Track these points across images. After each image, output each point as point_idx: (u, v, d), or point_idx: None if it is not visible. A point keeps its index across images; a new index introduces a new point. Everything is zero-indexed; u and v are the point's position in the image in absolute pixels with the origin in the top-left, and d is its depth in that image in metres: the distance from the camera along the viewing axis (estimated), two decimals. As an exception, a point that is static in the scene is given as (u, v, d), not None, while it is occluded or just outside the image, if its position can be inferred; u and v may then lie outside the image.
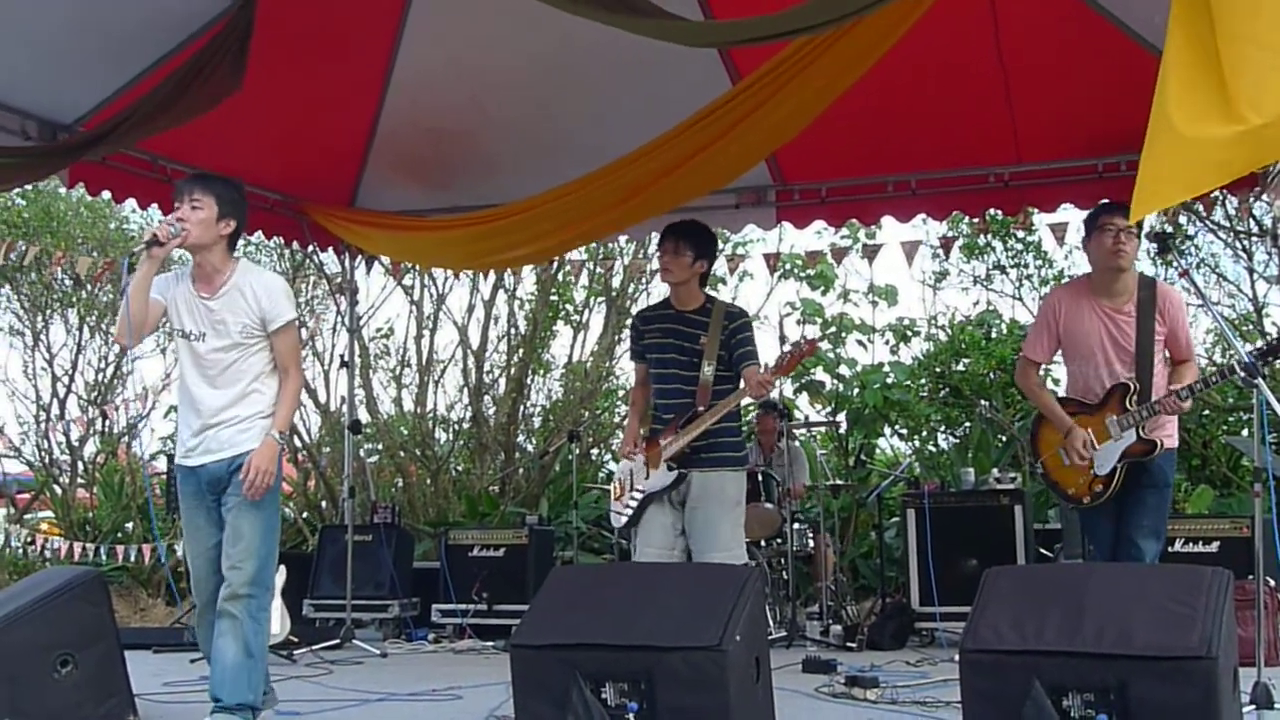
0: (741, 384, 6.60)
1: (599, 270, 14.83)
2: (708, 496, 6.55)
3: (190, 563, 5.71)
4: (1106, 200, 8.11)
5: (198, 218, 5.47)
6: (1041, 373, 6.76)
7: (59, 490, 16.71)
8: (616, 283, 15.18)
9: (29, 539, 16.15)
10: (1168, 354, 6.36)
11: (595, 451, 15.58)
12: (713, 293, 7.15)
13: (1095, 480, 6.27)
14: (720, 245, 14.51)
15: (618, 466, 7.03)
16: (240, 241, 5.83)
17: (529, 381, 15.84)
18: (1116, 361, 6.33)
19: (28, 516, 17.04)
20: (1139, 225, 6.37)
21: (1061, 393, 6.70)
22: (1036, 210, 9.34)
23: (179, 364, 5.68)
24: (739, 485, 6.72)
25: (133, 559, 14.01)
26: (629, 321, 7.28)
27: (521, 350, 15.58)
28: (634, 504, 6.67)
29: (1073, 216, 9.43)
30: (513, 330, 15.73)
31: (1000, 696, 4.23)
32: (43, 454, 16.93)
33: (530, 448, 15.77)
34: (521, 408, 15.73)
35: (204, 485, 5.57)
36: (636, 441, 6.79)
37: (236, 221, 5.62)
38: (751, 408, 11.01)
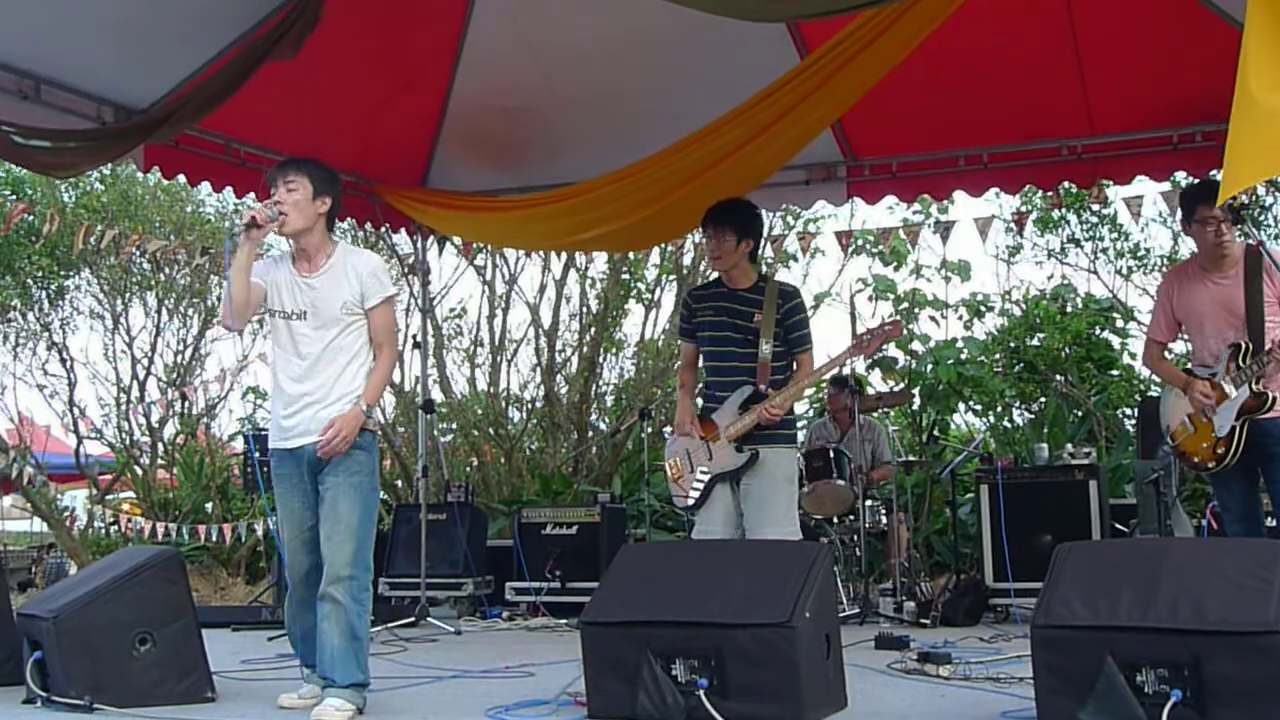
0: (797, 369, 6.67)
1: (670, 249, 14.81)
2: (764, 473, 6.56)
3: (286, 545, 5.70)
4: (1191, 180, 8.04)
5: (294, 199, 5.49)
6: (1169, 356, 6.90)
7: (140, 471, 16.97)
8: (688, 260, 15.15)
9: (111, 519, 16.42)
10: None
11: (668, 429, 15.57)
12: (764, 269, 7.14)
13: (1218, 443, 6.29)
14: (791, 222, 14.56)
15: (670, 447, 6.99)
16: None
17: (601, 360, 15.87)
18: (1227, 326, 6.37)
19: (110, 497, 17.32)
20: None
21: (1188, 367, 6.74)
22: (1110, 183, 9.23)
23: (273, 347, 5.69)
24: (793, 462, 6.80)
25: (213, 539, 14.20)
26: (681, 299, 7.30)
27: (593, 329, 15.62)
28: (700, 485, 6.66)
29: (1147, 189, 9.35)
30: (584, 309, 15.78)
31: (1073, 672, 4.20)
32: (124, 435, 17.19)
33: (603, 426, 15.81)
34: (594, 386, 15.77)
35: (304, 467, 5.54)
36: (694, 420, 6.79)
37: (332, 199, 5.64)
38: (822, 384, 10.92)
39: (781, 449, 6.65)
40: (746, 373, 6.63)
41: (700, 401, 7.07)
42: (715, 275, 6.99)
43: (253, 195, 9.14)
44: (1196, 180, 9.01)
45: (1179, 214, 6.70)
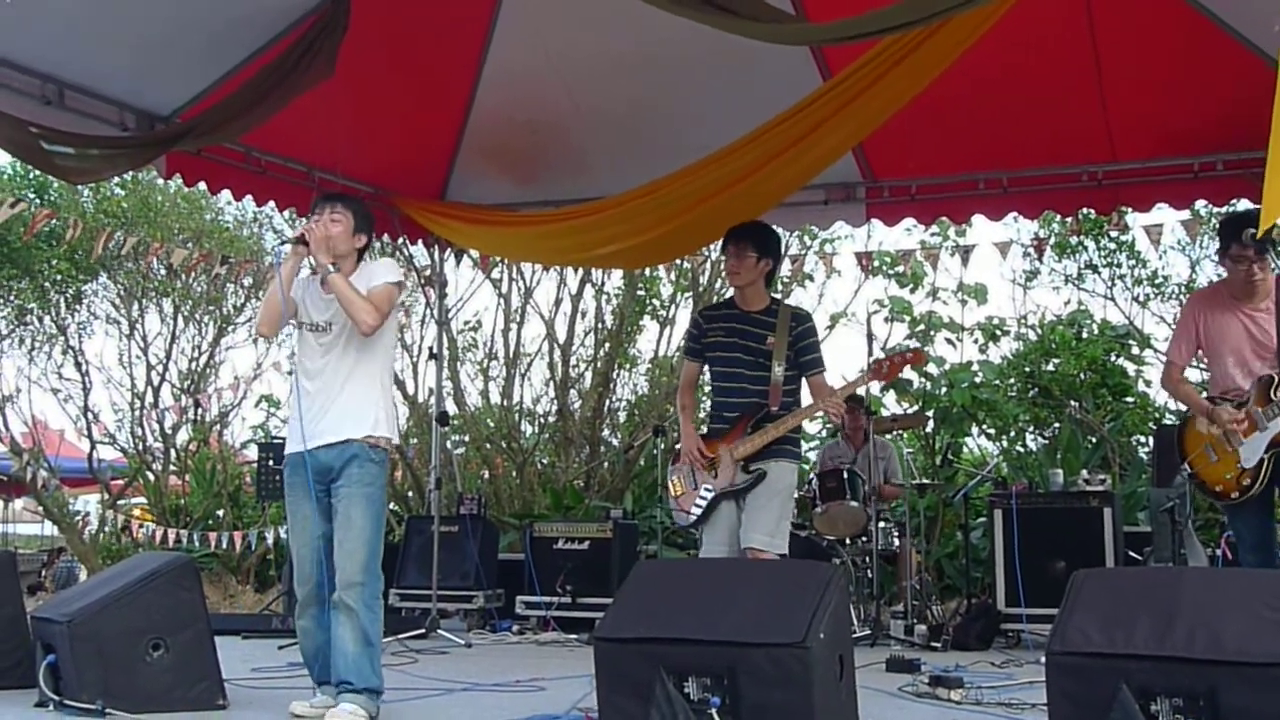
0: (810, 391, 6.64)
1: (686, 265, 14.81)
2: (764, 484, 6.55)
3: (295, 554, 5.79)
4: (1211, 208, 7.96)
5: (338, 230, 5.74)
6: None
7: (152, 477, 17.00)
8: (704, 278, 15.15)
9: (123, 525, 16.45)
10: None
11: (680, 447, 15.56)
12: (776, 295, 7.12)
13: (1243, 474, 6.21)
14: (808, 242, 14.57)
15: (674, 465, 6.99)
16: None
17: (615, 376, 15.86)
18: (1255, 358, 6.32)
19: (121, 502, 17.34)
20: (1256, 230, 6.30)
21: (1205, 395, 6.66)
22: (1130, 210, 9.20)
23: (298, 358, 5.92)
24: (793, 475, 6.75)
25: (223, 546, 14.21)
26: (691, 318, 7.31)
27: (608, 344, 15.61)
28: (704, 502, 6.66)
29: (1167, 216, 9.28)
30: (599, 325, 15.77)
31: (1087, 700, 4.17)
32: (137, 441, 17.24)
33: (615, 442, 15.80)
34: (607, 402, 15.77)
35: (313, 473, 5.66)
36: (701, 447, 6.76)
37: (367, 237, 5.93)
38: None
39: (787, 462, 6.65)
40: (755, 394, 6.62)
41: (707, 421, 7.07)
42: (729, 295, 6.99)
43: (273, 203, 9.20)
44: (1218, 209, 9.01)
45: (1215, 242, 6.63)
